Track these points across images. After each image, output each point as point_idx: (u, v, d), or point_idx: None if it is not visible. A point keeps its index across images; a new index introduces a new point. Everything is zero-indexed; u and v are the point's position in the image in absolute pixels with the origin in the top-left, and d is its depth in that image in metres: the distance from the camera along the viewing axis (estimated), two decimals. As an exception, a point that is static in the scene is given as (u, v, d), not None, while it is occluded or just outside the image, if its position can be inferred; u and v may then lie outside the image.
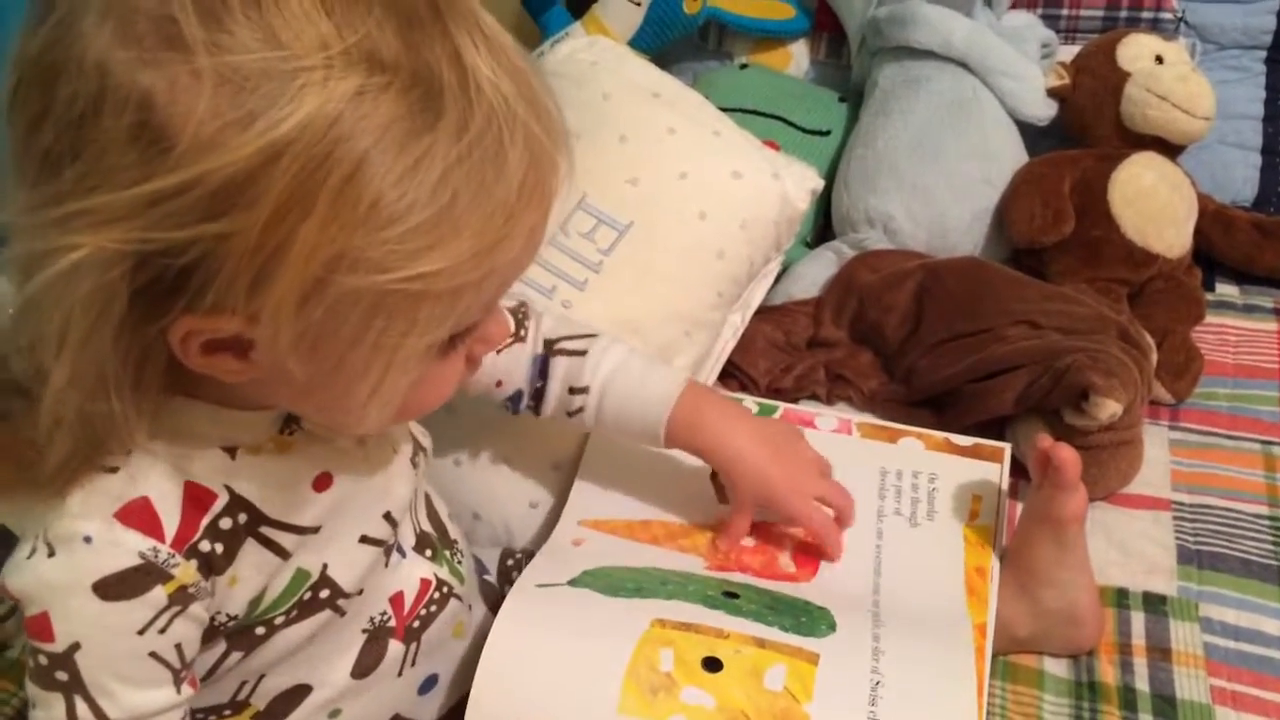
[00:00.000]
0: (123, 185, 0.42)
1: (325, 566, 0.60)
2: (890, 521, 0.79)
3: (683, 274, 0.95)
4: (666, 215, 0.95)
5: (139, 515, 0.52)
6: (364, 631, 0.64)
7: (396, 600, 0.66)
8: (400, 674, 0.67)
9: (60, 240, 0.43)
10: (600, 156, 0.97)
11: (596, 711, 0.64)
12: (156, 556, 0.52)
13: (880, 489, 0.82)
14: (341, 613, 0.61)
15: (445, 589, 0.69)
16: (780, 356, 1.07)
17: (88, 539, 0.51)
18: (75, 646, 0.51)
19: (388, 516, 0.63)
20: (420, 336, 0.48)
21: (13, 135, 0.46)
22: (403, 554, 0.66)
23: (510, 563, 0.82)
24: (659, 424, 0.75)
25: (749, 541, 0.78)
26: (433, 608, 0.68)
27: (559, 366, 0.77)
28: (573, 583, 0.72)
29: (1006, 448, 0.85)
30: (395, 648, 0.66)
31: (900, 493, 0.82)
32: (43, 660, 0.52)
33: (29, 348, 0.48)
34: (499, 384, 0.78)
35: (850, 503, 0.78)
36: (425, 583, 0.67)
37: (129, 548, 0.51)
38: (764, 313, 1.09)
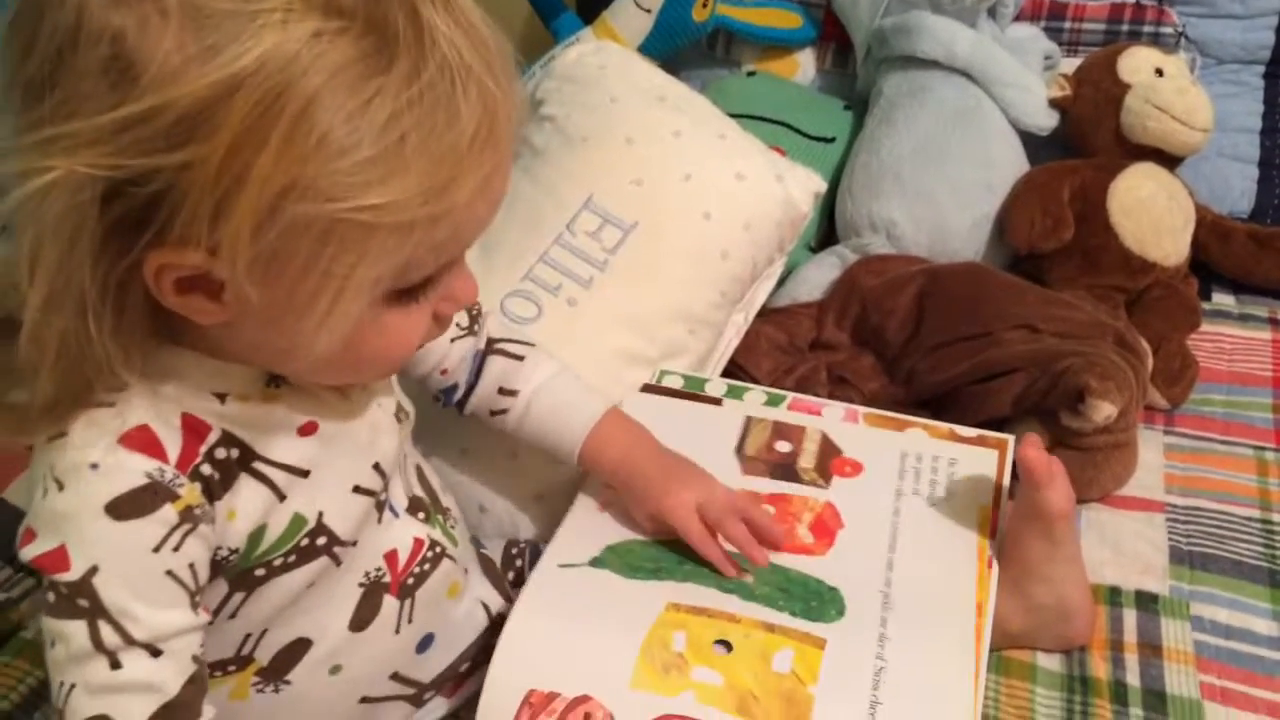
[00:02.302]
0: (94, 112, 0.46)
1: (321, 514, 0.62)
2: (908, 501, 0.81)
3: (687, 274, 0.96)
4: (671, 216, 0.97)
5: (141, 440, 0.54)
6: (360, 585, 0.66)
7: (391, 557, 0.68)
8: (398, 630, 0.69)
9: (36, 163, 0.46)
10: (607, 158, 0.99)
11: (610, 686, 0.66)
12: (163, 476, 0.54)
13: (900, 470, 0.84)
14: (338, 561, 0.64)
15: (438, 549, 0.71)
16: (783, 358, 1.08)
17: (94, 465, 0.53)
18: (93, 570, 0.52)
19: (377, 468, 0.65)
20: (369, 268, 0.50)
21: (7, 66, 0.49)
22: (395, 513, 0.69)
23: (514, 552, 0.84)
24: (577, 442, 0.78)
25: (769, 509, 0.80)
26: (426, 566, 0.70)
27: (494, 365, 0.80)
28: (595, 562, 0.75)
29: (1009, 439, 0.86)
30: (390, 603, 0.68)
31: (919, 474, 0.83)
32: (62, 590, 0.53)
33: (6, 273, 0.50)
34: (444, 371, 0.80)
35: (749, 540, 0.76)
36: (418, 542, 0.70)
37: (135, 469, 0.53)
38: (768, 314, 1.11)
